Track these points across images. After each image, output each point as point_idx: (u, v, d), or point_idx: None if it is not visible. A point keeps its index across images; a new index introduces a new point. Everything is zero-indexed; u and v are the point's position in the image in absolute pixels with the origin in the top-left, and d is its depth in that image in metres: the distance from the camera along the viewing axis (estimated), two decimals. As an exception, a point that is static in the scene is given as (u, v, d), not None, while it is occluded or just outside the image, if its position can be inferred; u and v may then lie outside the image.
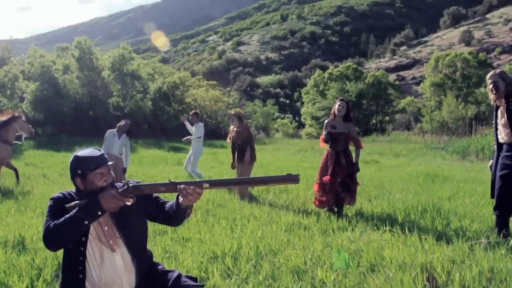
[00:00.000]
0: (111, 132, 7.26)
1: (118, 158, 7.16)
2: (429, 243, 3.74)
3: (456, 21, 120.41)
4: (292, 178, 1.92)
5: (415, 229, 4.25)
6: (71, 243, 2.06)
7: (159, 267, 2.29)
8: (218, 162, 13.64)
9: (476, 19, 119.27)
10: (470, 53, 46.26)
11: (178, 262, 3.58)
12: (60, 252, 3.74)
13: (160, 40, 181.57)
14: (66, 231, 1.97)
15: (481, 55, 47.28)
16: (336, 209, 5.39)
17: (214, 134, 30.11)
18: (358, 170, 5.41)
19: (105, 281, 2.10)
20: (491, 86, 4.14)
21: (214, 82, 42.92)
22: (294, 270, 3.30)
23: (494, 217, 4.28)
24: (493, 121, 4.25)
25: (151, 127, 28.63)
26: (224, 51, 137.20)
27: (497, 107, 4.16)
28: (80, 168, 2.10)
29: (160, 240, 4.27)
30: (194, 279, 2.29)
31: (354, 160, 5.41)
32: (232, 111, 8.10)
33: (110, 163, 2.17)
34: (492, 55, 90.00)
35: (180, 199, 2.06)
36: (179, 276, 2.23)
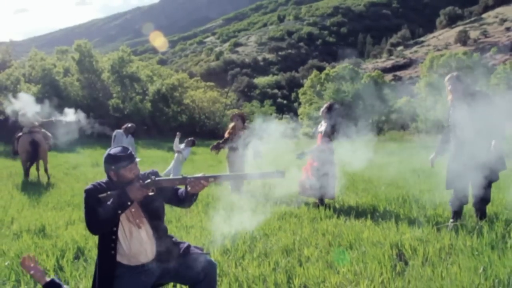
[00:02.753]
0: (119, 132, 7.82)
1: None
2: (403, 227, 4.26)
3: (452, 21, 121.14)
4: (280, 173, 2.47)
5: (393, 216, 4.77)
6: (110, 227, 2.58)
7: (173, 239, 2.82)
8: (217, 161, 14.16)
9: (472, 19, 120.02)
10: (464, 53, 46.91)
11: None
12: (79, 238, 4.27)
13: (159, 41, 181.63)
14: (105, 220, 2.49)
15: (475, 55, 47.90)
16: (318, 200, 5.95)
17: (212, 134, 30.61)
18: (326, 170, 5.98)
19: (134, 252, 2.62)
20: (449, 88, 4.61)
21: (212, 83, 43.42)
22: (284, 249, 3.83)
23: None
24: (448, 119, 4.67)
25: (150, 128, 29.12)
26: (222, 52, 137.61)
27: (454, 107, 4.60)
28: (114, 164, 2.61)
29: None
30: (201, 249, 2.82)
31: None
32: (236, 111, 8.61)
33: (138, 159, 2.69)
34: (488, 54, 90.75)
35: (188, 188, 2.59)
36: (189, 246, 2.77)
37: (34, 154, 9.18)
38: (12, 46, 36.32)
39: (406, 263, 3.32)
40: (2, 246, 4.06)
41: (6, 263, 3.55)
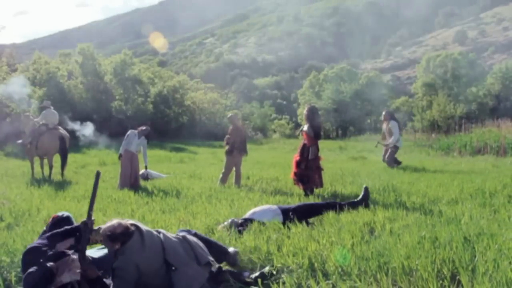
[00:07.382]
0: (132, 132, 8.52)
1: (134, 154, 8.45)
2: (378, 209, 4.98)
3: (450, 21, 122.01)
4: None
5: (371, 202, 5.50)
6: None
7: None
8: (218, 159, 14.91)
9: (470, 19, 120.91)
10: (460, 54, 47.58)
11: (191, 226, 4.80)
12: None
13: (158, 42, 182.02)
14: None
15: (471, 55, 48.56)
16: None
17: (212, 135, 31.37)
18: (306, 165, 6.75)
19: None
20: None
21: (212, 85, 44.18)
22: (275, 228, 4.55)
23: (434, 193, 5.54)
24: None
25: (152, 130, 29.88)
26: (221, 54, 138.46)
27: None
28: None
29: (175, 214, 5.52)
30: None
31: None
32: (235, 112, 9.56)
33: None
34: (485, 54, 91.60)
35: None
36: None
37: (62, 149, 9.99)
38: (14, 49, 37.04)
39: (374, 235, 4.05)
40: (37, 228, 4.79)
41: (45, 240, 4.27)
